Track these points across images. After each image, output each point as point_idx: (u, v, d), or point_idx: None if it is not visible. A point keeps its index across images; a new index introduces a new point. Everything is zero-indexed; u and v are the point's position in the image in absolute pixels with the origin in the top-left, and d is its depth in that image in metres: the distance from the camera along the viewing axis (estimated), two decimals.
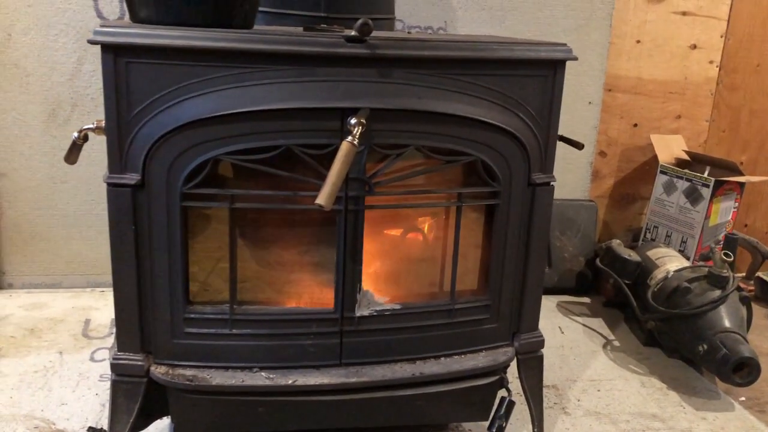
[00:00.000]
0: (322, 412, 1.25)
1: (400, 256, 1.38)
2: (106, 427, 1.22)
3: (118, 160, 1.10)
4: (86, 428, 1.38)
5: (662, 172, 2.22)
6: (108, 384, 1.19)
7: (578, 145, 1.32)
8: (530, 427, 1.40)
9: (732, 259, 1.75)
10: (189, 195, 1.12)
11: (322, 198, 1.02)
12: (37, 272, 2.03)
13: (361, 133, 1.07)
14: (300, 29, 1.31)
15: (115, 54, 1.05)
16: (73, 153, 1.23)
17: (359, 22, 1.06)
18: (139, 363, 1.18)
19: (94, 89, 1.88)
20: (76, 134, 1.21)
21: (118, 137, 1.09)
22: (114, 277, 1.15)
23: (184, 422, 1.25)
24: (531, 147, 1.23)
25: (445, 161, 1.20)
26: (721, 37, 2.29)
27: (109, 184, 1.11)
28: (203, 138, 1.09)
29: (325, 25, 1.36)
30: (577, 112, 2.21)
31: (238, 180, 1.20)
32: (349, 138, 1.06)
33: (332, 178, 1.03)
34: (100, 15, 1.87)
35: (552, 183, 1.27)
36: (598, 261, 2.08)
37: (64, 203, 1.98)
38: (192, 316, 1.18)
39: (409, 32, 1.97)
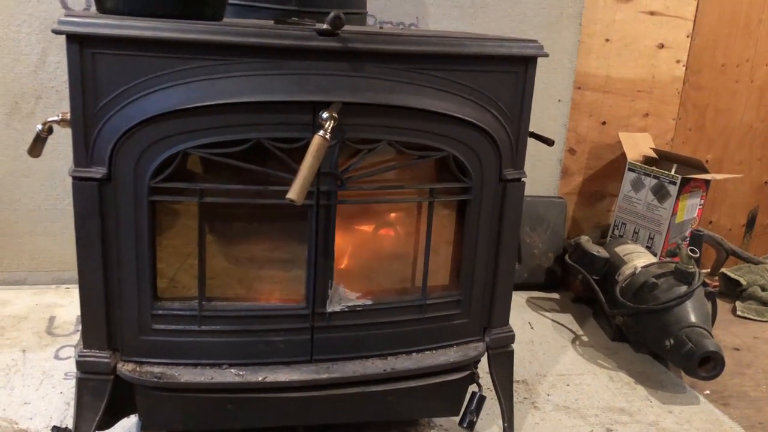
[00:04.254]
0: (293, 408, 1.24)
1: (372, 252, 1.38)
2: (70, 426, 1.19)
3: (83, 153, 1.07)
4: (50, 427, 1.35)
5: (630, 170, 2.25)
6: (73, 382, 1.16)
7: (549, 142, 1.33)
8: (500, 421, 1.40)
9: (698, 255, 1.78)
10: (157, 189, 1.10)
11: (294, 192, 1.01)
12: None
13: (333, 127, 1.06)
14: (271, 22, 1.30)
15: (80, 44, 1.02)
16: (37, 146, 1.20)
17: (331, 15, 1.05)
18: (106, 360, 1.15)
19: (59, 81, 1.84)
20: (40, 126, 1.18)
21: (83, 130, 1.06)
22: (79, 273, 1.12)
23: (151, 420, 1.23)
24: (502, 143, 1.23)
25: (417, 156, 1.20)
26: (688, 36, 2.33)
27: (74, 178, 1.08)
28: (171, 131, 1.07)
29: (296, 19, 1.35)
30: (547, 109, 2.23)
31: (207, 174, 1.18)
32: (321, 132, 1.05)
33: (304, 172, 1.02)
34: (65, 5, 1.83)
35: (523, 179, 1.28)
36: (567, 257, 2.10)
37: (27, 198, 1.94)
38: (160, 312, 1.16)
39: (381, 27, 1.97)
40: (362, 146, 1.15)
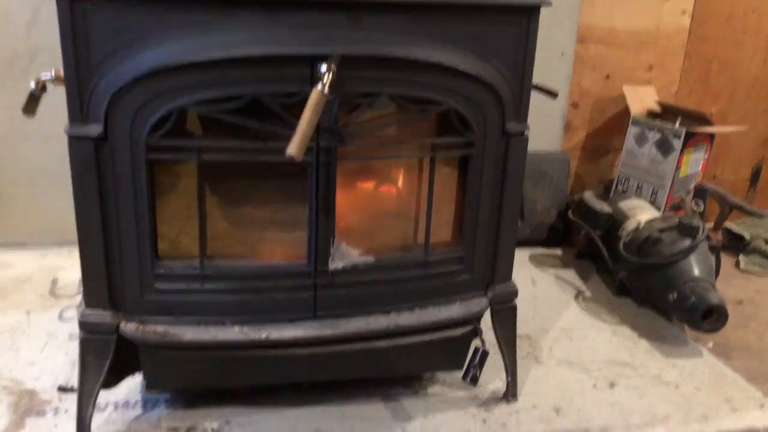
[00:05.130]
0: (297, 365, 1.25)
1: (374, 209, 1.37)
2: (76, 385, 1.20)
3: (78, 111, 1.06)
4: (56, 387, 1.36)
5: (634, 124, 2.22)
6: (77, 343, 1.16)
7: (553, 94, 1.31)
8: (503, 376, 1.41)
9: (702, 208, 1.77)
10: (154, 147, 1.08)
11: (293, 148, 1.00)
12: (0, 232, 1.98)
13: (331, 80, 1.04)
14: None
15: None
16: (31, 104, 1.18)
17: None
18: (108, 320, 1.15)
19: (53, 40, 1.80)
20: (33, 84, 1.16)
21: (77, 87, 1.04)
22: (79, 232, 1.11)
23: (156, 379, 1.24)
24: (505, 96, 1.21)
25: (419, 111, 1.18)
26: None
27: (70, 137, 1.06)
28: (167, 87, 1.05)
29: None
30: (550, 64, 2.19)
31: (205, 132, 1.16)
32: (319, 86, 1.03)
33: (302, 127, 1.01)
34: None
35: (526, 133, 1.26)
36: (570, 213, 2.09)
37: (26, 160, 1.92)
38: (161, 271, 1.15)
39: None
40: (362, 100, 1.13)
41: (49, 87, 1.17)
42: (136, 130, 1.07)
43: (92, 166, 1.07)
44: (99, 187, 1.09)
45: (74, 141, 1.06)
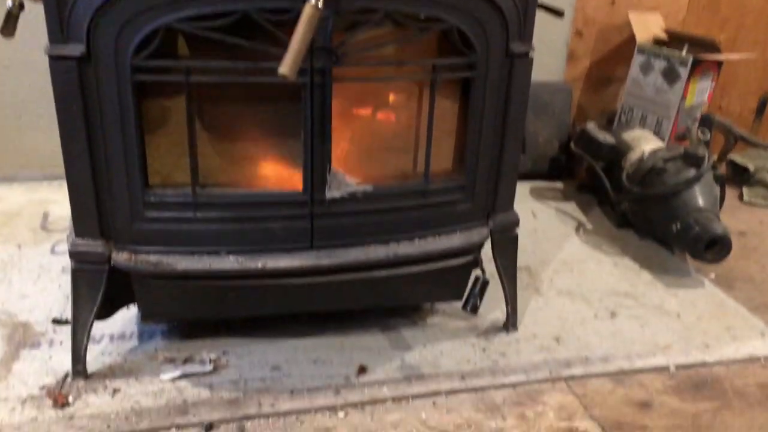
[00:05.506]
0: (295, 295, 1.22)
1: (372, 136, 1.32)
2: (70, 318, 1.18)
3: (58, 29, 1.00)
4: (50, 320, 1.34)
5: (639, 52, 2.15)
6: (70, 276, 1.14)
7: (558, 13, 1.25)
8: (503, 306, 1.39)
9: (708, 137, 1.72)
10: (140, 68, 1.02)
11: (285, 67, 0.94)
12: None
13: None
14: None
15: None
16: (8, 24, 1.11)
17: None
18: (99, 249, 1.12)
19: None
20: (10, 2, 1.09)
21: (56, 3, 0.98)
22: (65, 158, 1.07)
23: (150, 309, 1.21)
24: (509, 14, 1.14)
25: (419, 29, 1.12)
26: None
27: (51, 57, 1.01)
28: (153, 3, 0.99)
29: None
30: None
31: (194, 53, 1.10)
32: (313, 0, 0.97)
33: (295, 45, 0.95)
34: None
35: (531, 53, 1.20)
36: (572, 144, 2.05)
37: (9, 91, 1.86)
38: (152, 200, 1.11)
39: None
40: (358, 17, 1.07)
41: (28, 5, 1.10)
42: (121, 49, 1.01)
43: (76, 88, 1.02)
44: (84, 112, 1.04)
45: (55, 62, 1.01)
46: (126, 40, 1.00)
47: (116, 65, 1.02)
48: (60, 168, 1.06)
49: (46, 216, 1.77)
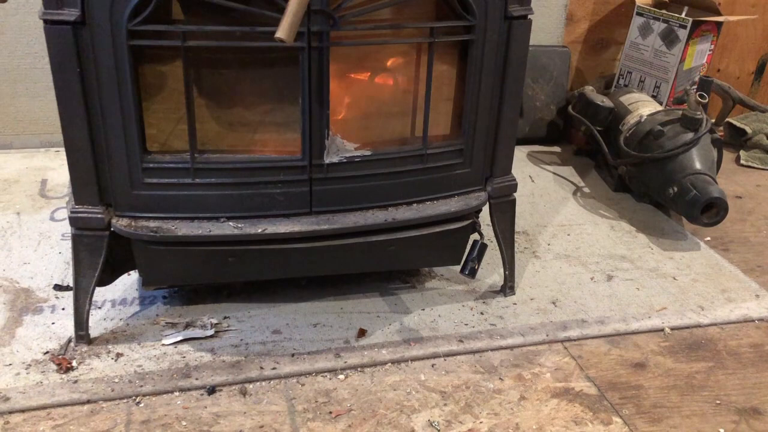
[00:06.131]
0: (294, 260, 1.23)
1: (370, 101, 1.31)
2: (72, 284, 1.19)
3: None
4: (52, 286, 1.35)
5: (638, 14, 2.14)
6: (71, 242, 1.14)
7: None
8: (501, 270, 1.40)
9: (706, 100, 1.72)
10: (136, 32, 1.02)
11: (282, 31, 0.94)
12: None
13: None
14: None
15: None
16: None
17: None
18: (99, 215, 1.12)
19: None
20: None
21: None
22: (63, 124, 1.07)
23: (151, 275, 1.22)
24: None
25: None
26: None
27: (45, 21, 1.00)
28: None
29: None
30: None
31: (190, 18, 1.09)
32: None
33: (292, 8, 0.94)
34: None
35: (529, 17, 1.19)
36: (570, 108, 2.04)
37: (4, 57, 1.84)
38: (151, 165, 1.12)
39: None
40: None
41: None
42: (116, 13, 1.00)
43: (72, 54, 1.02)
44: (81, 77, 1.03)
45: (50, 26, 1.00)
46: (121, 5, 0.99)
47: (112, 30, 1.01)
48: (57, 135, 1.06)
49: (44, 183, 1.77)
